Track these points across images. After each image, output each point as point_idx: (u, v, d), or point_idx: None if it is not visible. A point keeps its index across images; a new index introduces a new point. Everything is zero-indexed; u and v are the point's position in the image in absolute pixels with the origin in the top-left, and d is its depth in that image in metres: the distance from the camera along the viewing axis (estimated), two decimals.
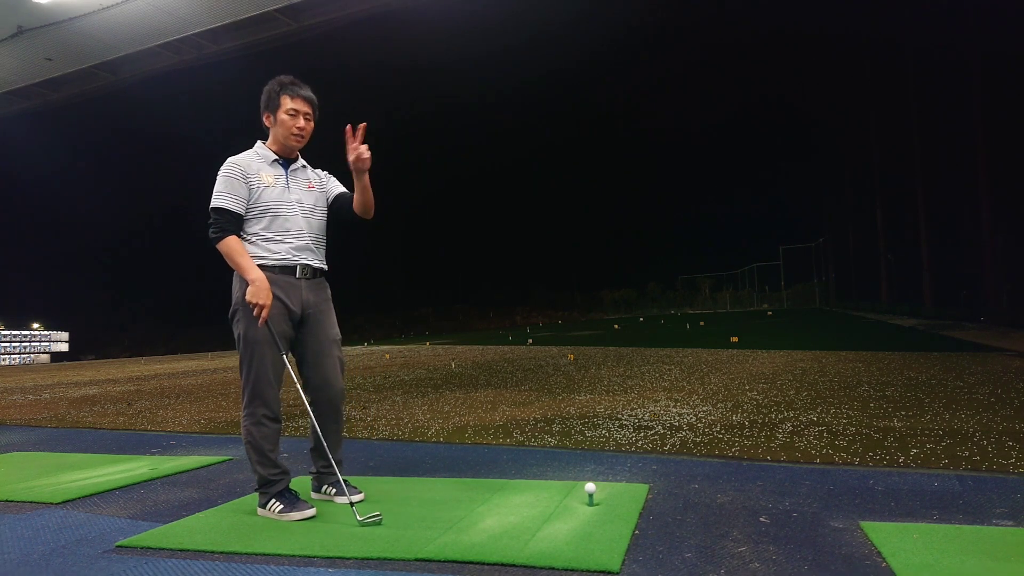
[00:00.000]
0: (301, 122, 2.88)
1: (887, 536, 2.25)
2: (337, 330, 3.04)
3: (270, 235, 2.83)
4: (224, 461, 4.14)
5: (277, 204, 2.84)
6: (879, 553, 2.11)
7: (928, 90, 19.76)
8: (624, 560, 2.14)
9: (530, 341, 17.10)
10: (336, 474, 2.92)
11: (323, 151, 3.18)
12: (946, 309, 17.62)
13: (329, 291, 3.06)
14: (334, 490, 3.00)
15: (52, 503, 3.24)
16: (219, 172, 2.81)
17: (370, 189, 2.95)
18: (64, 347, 55.36)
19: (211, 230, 2.77)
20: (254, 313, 2.73)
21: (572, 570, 2.09)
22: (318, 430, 2.86)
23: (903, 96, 21.37)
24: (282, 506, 2.75)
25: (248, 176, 2.82)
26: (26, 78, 9.70)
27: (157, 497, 3.31)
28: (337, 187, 3.13)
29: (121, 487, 3.54)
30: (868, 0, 23.38)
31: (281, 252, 2.83)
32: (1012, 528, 2.31)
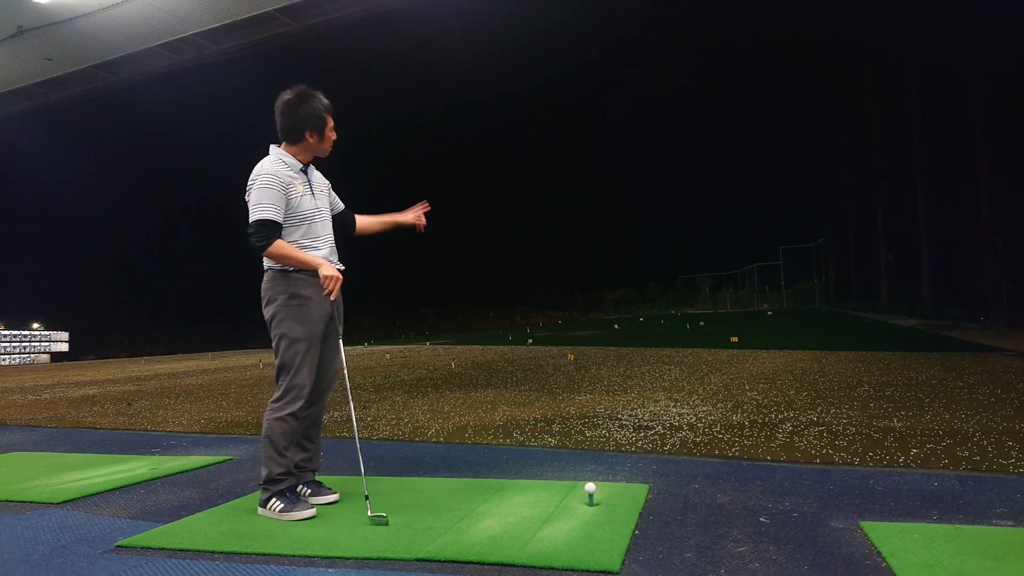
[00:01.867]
0: (335, 137, 3.06)
1: (887, 536, 2.25)
2: (341, 328, 3.14)
3: (306, 243, 2.91)
4: (224, 461, 4.14)
5: (310, 212, 2.93)
6: (879, 553, 2.11)
7: (929, 90, 19.76)
8: (624, 560, 2.14)
9: (530, 341, 17.09)
10: (313, 472, 3.01)
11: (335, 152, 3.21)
12: (946, 309, 17.62)
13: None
14: (309, 491, 3.00)
15: (52, 503, 3.24)
16: (256, 183, 2.83)
17: None
18: (64, 347, 55.30)
19: (254, 239, 2.78)
20: (328, 287, 2.82)
21: (572, 570, 2.09)
22: (323, 418, 2.97)
23: (903, 96, 21.38)
24: (282, 505, 2.76)
25: (286, 187, 2.87)
26: (26, 78, 9.70)
27: (157, 497, 3.31)
28: (338, 200, 3.26)
29: (121, 487, 3.54)
30: (868, 1, 23.38)
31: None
32: (1012, 528, 2.31)
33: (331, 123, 3.01)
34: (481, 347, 16.22)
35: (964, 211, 17.34)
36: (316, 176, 3.10)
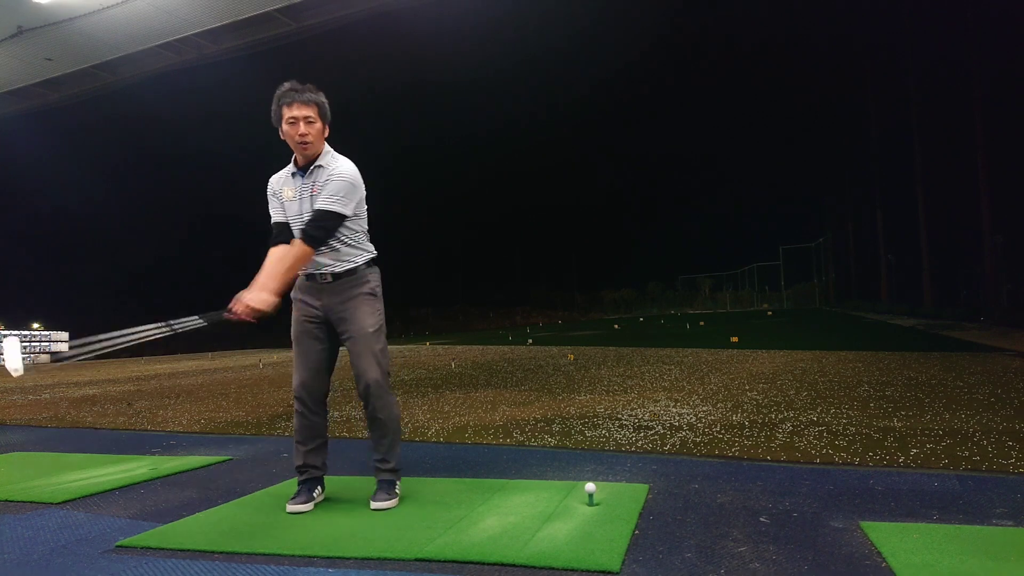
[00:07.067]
0: (302, 128, 2.79)
1: (887, 536, 2.25)
2: (370, 322, 2.93)
3: None
4: (224, 461, 4.14)
5: (295, 217, 2.94)
6: (879, 553, 2.11)
7: (929, 89, 19.77)
8: (624, 560, 2.14)
9: (530, 341, 17.09)
10: (383, 473, 2.95)
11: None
12: (946, 309, 17.61)
13: (362, 287, 2.96)
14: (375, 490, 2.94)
15: (52, 503, 3.24)
16: None
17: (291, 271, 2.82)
18: (64, 347, 55.32)
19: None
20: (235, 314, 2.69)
21: (572, 570, 2.09)
22: (375, 419, 2.98)
23: (904, 95, 21.39)
24: (292, 496, 2.93)
25: (275, 192, 2.99)
26: (26, 78, 9.71)
27: (157, 497, 3.31)
28: (318, 204, 2.84)
29: (121, 487, 3.54)
30: (869, 1, 23.38)
31: None
32: (1012, 528, 2.31)
33: (287, 115, 2.77)
34: (481, 347, 16.22)
35: (964, 211, 17.33)
36: (318, 177, 2.86)
